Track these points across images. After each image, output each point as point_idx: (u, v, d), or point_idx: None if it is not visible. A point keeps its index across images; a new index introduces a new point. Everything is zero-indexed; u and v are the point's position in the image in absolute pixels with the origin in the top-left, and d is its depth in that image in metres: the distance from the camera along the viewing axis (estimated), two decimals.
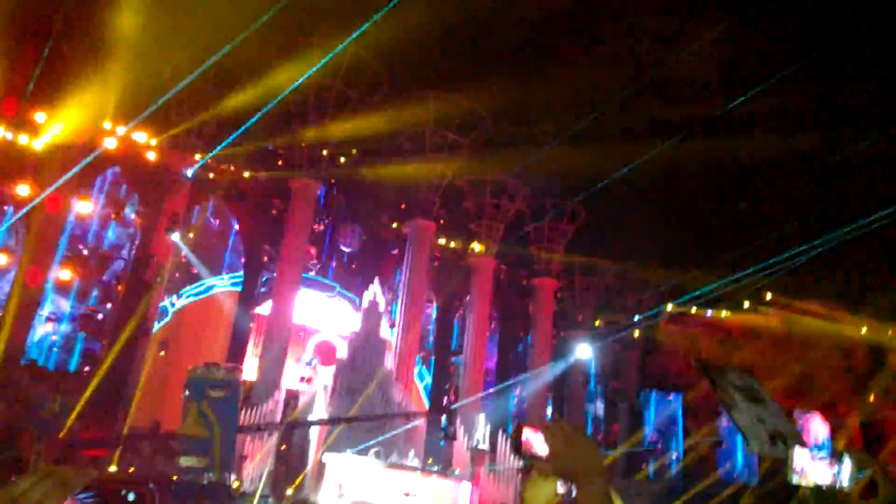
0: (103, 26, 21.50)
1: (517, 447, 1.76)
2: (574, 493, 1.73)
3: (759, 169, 28.32)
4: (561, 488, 1.99)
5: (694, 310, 32.48)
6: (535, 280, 33.60)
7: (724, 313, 33.14)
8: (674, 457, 33.58)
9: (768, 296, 31.64)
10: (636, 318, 33.61)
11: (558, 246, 33.40)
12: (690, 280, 29.61)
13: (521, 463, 23.40)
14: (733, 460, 33.17)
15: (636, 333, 34.98)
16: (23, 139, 23.19)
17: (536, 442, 1.74)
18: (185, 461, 6.47)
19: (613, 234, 32.37)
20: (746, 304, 32.10)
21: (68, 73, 21.99)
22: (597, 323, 35.19)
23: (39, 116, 23.13)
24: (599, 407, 36.91)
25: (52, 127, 23.05)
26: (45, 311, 24.15)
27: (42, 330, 23.93)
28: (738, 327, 32.66)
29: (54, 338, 24.49)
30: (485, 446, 27.50)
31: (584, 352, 32.38)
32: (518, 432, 1.77)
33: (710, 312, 33.35)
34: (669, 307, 32.72)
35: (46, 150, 23.12)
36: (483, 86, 25.91)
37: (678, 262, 29.05)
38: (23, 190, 23.82)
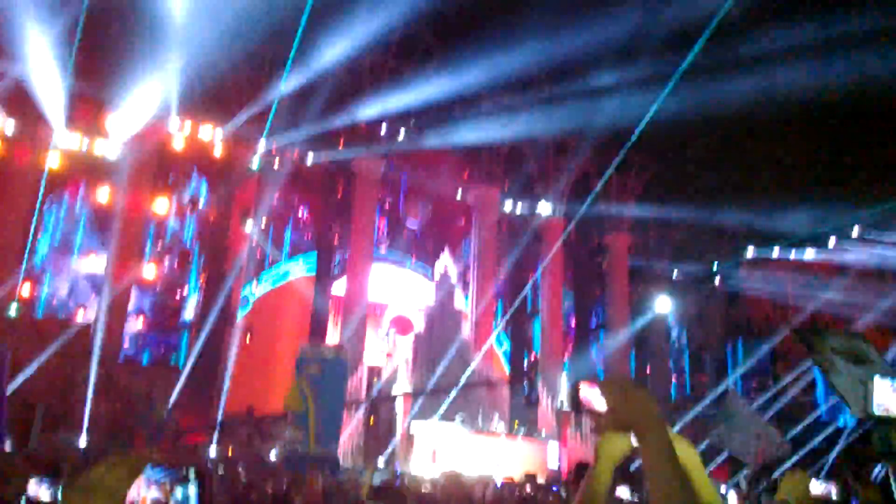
0: (156, 27, 22.05)
1: (576, 404, 1.78)
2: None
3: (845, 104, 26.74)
4: (636, 441, 1.98)
5: (776, 253, 31.30)
6: (607, 237, 33.04)
7: (808, 253, 31.82)
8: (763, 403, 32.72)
9: (855, 232, 30.16)
10: (716, 266, 32.66)
11: (628, 200, 32.68)
12: (771, 222, 28.50)
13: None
14: (827, 404, 32.09)
15: (717, 282, 34.04)
16: (97, 145, 24.23)
17: (594, 397, 1.76)
18: (289, 433, 6.79)
19: (686, 182, 31.30)
20: (832, 242, 30.70)
21: (132, 77, 22.72)
22: (674, 275, 34.40)
23: (110, 122, 24.08)
24: (684, 360, 36.23)
25: (123, 131, 23.97)
26: (133, 308, 25.28)
27: (132, 327, 25.12)
28: (825, 266, 31.34)
29: (143, 334, 25.67)
30: (569, 407, 27.48)
31: (663, 305, 31.79)
32: (576, 389, 1.78)
33: (793, 254, 32.09)
34: (750, 252, 31.62)
35: (120, 153, 24.10)
36: (536, 40, 25.27)
37: (757, 205, 27.93)
38: (102, 194, 24.97)
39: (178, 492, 1.18)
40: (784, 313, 32.07)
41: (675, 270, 34.37)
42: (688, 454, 1.90)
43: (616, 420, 1.73)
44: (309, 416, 6.24)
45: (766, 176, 28.96)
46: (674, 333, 36.14)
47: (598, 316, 34.48)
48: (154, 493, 1.19)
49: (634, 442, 2.08)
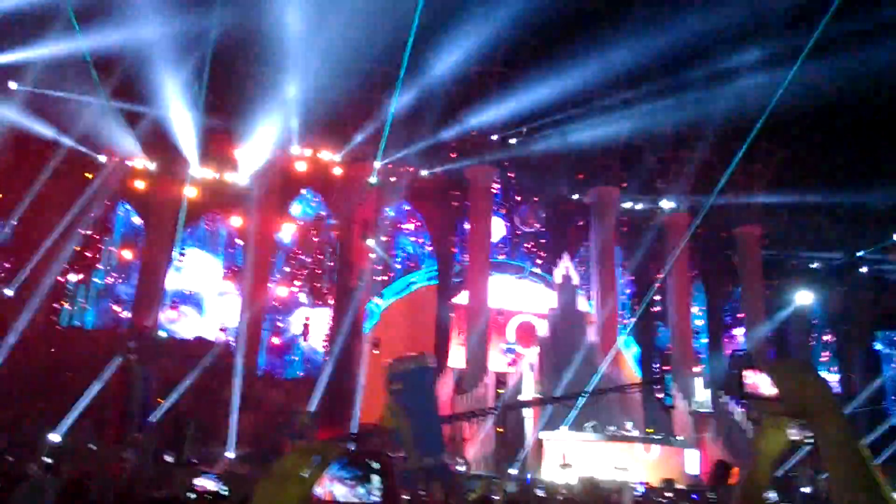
0: (274, 61, 23.22)
1: (739, 389, 1.68)
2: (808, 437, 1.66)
3: None
4: (796, 435, 1.87)
5: None
6: (736, 230, 31.42)
7: None
8: None
9: None
10: (860, 252, 30.31)
11: (757, 190, 30.95)
12: None
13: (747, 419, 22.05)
14: None
15: (864, 270, 31.60)
16: (228, 176, 25.81)
17: (761, 383, 1.66)
18: (397, 451, 6.94)
19: (819, 165, 29.26)
20: None
21: (256, 110, 24.03)
22: (813, 265, 32.19)
23: (239, 153, 25.60)
24: (830, 356, 33.81)
25: (250, 160, 25.40)
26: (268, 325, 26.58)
27: (268, 344, 26.42)
28: None
29: (279, 350, 26.93)
30: (707, 409, 26.32)
31: (803, 298, 29.88)
32: (739, 375, 1.69)
33: None
34: None
35: (249, 181, 25.55)
36: (647, 32, 24.52)
37: None
38: (236, 220, 26.53)
39: (363, 487, 1.24)
40: None
41: (815, 260, 32.15)
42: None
43: (788, 406, 1.61)
44: (403, 433, 6.35)
45: None
46: (817, 328, 33.82)
47: (732, 313, 32.85)
48: (339, 487, 1.24)
49: (796, 436, 1.97)
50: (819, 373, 1.64)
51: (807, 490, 17.67)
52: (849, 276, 31.40)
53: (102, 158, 24.59)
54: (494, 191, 29.91)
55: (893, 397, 31.03)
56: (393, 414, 6.76)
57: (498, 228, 30.89)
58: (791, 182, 29.38)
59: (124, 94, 23.09)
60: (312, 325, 27.44)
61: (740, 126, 28.53)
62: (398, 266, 29.94)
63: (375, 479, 1.36)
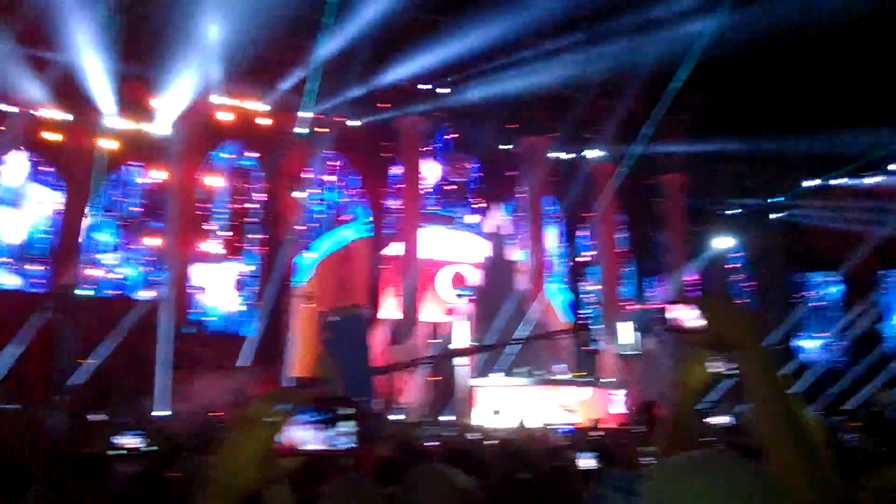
0: (194, 5, 22.15)
1: (666, 323, 1.74)
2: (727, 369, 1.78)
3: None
4: (719, 367, 1.96)
5: (838, 181, 30.12)
6: (660, 177, 32.29)
7: (871, 179, 30.51)
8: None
9: None
10: (775, 199, 31.67)
11: (680, 139, 31.75)
12: (830, 148, 27.36)
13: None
14: None
15: (778, 215, 33.06)
16: (147, 126, 24.70)
17: (687, 316, 1.71)
18: None
19: (738, 113, 30.21)
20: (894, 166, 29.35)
21: (175, 57, 22.96)
22: (731, 212, 33.49)
23: (158, 102, 24.48)
24: (748, 298, 35.48)
25: (171, 109, 24.35)
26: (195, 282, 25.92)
27: (201, 300, 25.83)
28: (889, 191, 30.06)
29: (207, 306, 26.37)
30: (633, 351, 27.31)
31: (722, 243, 31.10)
32: (662, 310, 1.76)
33: (854, 180, 30.84)
34: (811, 182, 30.52)
35: (170, 132, 24.53)
36: None
37: (812, 132, 26.80)
38: (157, 173, 25.52)
39: (330, 430, 1.20)
40: (850, 243, 30.97)
41: (733, 207, 33.44)
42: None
43: (714, 337, 1.66)
44: (333, 380, 6.55)
45: (820, 101, 27.71)
46: (736, 271, 35.37)
47: (656, 257, 33.93)
48: (302, 432, 1.20)
49: (712, 368, 2.06)
50: (739, 305, 1.70)
51: (725, 420, 18.59)
52: (764, 221, 32.80)
53: (8, 108, 23.12)
54: (424, 141, 29.68)
55: (801, 335, 32.91)
56: (325, 363, 6.87)
57: (431, 175, 30.75)
58: (712, 130, 30.26)
59: (31, 39, 21.65)
60: (243, 280, 26.91)
61: (664, 75, 29.09)
62: (327, 218, 29.53)
63: (343, 424, 1.33)
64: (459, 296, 26.04)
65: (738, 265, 35.37)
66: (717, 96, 30.14)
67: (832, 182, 30.64)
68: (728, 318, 1.65)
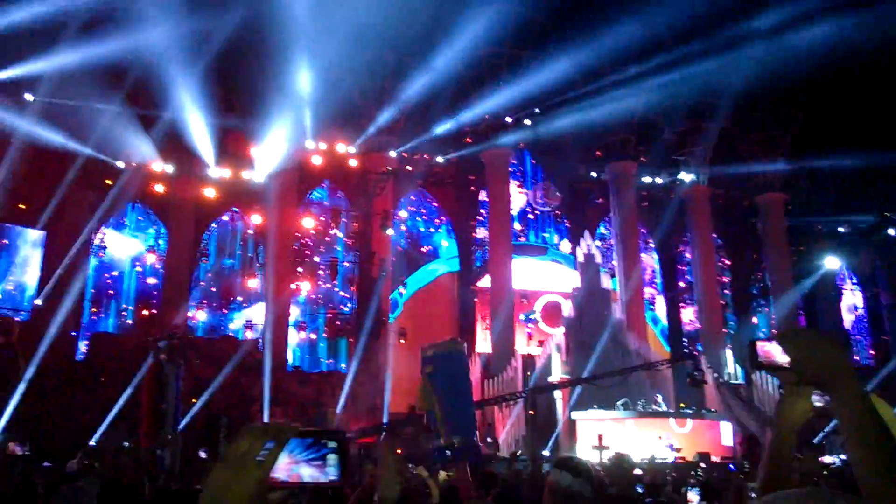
0: (285, 58, 23.23)
1: (755, 360, 1.69)
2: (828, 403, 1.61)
3: None
4: (819, 402, 1.83)
5: None
6: (759, 198, 31.02)
7: None
8: None
9: None
10: (888, 214, 29.76)
11: (778, 156, 30.52)
12: None
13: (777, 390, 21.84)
14: None
15: (891, 232, 31.04)
16: (245, 174, 25.96)
17: (775, 352, 1.65)
18: (434, 430, 7.14)
19: (839, 129, 28.73)
20: None
21: (270, 107, 24.11)
22: (839, 230, 31.67)
23: (255, 150, 25.72)
24: (861, 320, 33.35)
25: (267, 157, 25.50)
26: (294, 321, 26.76)
27: (295, 338, 26.62)
28: None
29: (306, 344, 27.13)
30: (738, 380, 26.15)
31: (831, 263, 29.46)
32: (752, 346, 1.69)
33: None
34: None
35: (266, 179, 25.67)
36: (657, 3, 24.13)
37: None
38: (256, 217, 26.69)
39: (323, 461, 1.22)
40: None
41: (841, 224, 31.64)
42: (881, 408, 1.69)
43: (802, 373, 1.58)
44: (436, 412, 6.58)
45: None
46: (846, 293, 33.37)
47: (759, 281, 32.48)
48: (305, 469, 1.20)
49: (818, 402, 1.95)
50: (832, 339, 1.60)
51: (838, 458, 17.44)
52: (876, 238, 30.86)
53: (121, 164, 24.86)
54: (511, 172, 29.77)
55: None
56: (426, 396, 6.94)
57: (519, 205, 30.77)
58: (812, 146, 28.92)
59: (138, 99, 23.28)
60: (341, 318, 27.54)
61: (756, 93, 28.14)
62: (421, 254, 29.97)
63: (331, 457, 1.34)
64: (552, 326, 25.71)
65: (851, 286, 33.38)
66: (816, 109, 28.81)
67: None
68: (814, 356, 1.55)
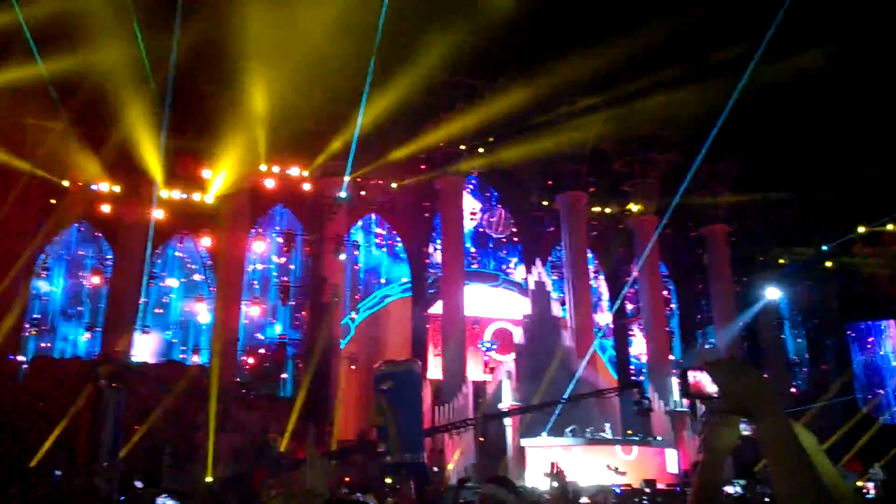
0: (239, 81, 23.10)
1: (686, 390, 1.73)
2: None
3: None
4: (747, 430, 1.92)
5: (890, 227, 29.24)
6: (704, 229, 31.88)
7: None
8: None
9: None
10: (825, 247, 30.87)
11: (723, 189, 31.45)
12: (882, 194, 26.72)
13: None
14: None
15: (829, 264, 32.16)
16: (196, 196, 25.55)
17: (705, 381, 1.70)
18: (380, 446, 7.12)
19: (784, 162, 29.82)
20: None
21: (220, 128, 23.88)
22: (781, 261, 32.71)
23: (206, 173, 25.37)
24: (801, 348, 34.36)
25: (217, 180, 25.18)
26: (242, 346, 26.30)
27: (243, 364, 26.14)
28: None
29: (254, 370, 26.64)
30: (684, 408, 26.57)
31: (772, 293, 30.34)
32: (684, 375, 1.73)
33: None
34: (861, 228, 29.70)
35: (217, 201, 25.31)
36: (609, 37, 24.79)
37: (863, 178, 26.26)
38: (206, 241, 26.27)
39: None
40: None
41: (783, 256, 32.69)
42: (804, 437, 1.78)
43: (729, 403, 1.65)
44: (389, 429, 6.57)
45: (870, 146, 27.22)
46: (787, 322, 34.37)
47: (703, 311, 33.23)
48: None
49: (746, 431, 2.01)
50: (756, 370, 1.68)
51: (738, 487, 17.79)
52: (816, 270, 31.93)
53: (66, 183, 24.23)
54: (464, 200, 29.99)
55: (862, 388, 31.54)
56: (381, 412, 6.92)
57: (471, 233, 30.99)
58: (756, 180, 29.91)
59: (87, 117, 22.81)
60: (290, 344, 27.19)
61: (702, 127, 29.02)
62: (370, 279, 29.86)
63: None
64: (503, 354, 25.81)
65: (790, 317, 34.41)
66: (762, 143, 29.84)
67: (888, 227, 29.71)
68: (739, 383, 1.62)
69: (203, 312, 26.38)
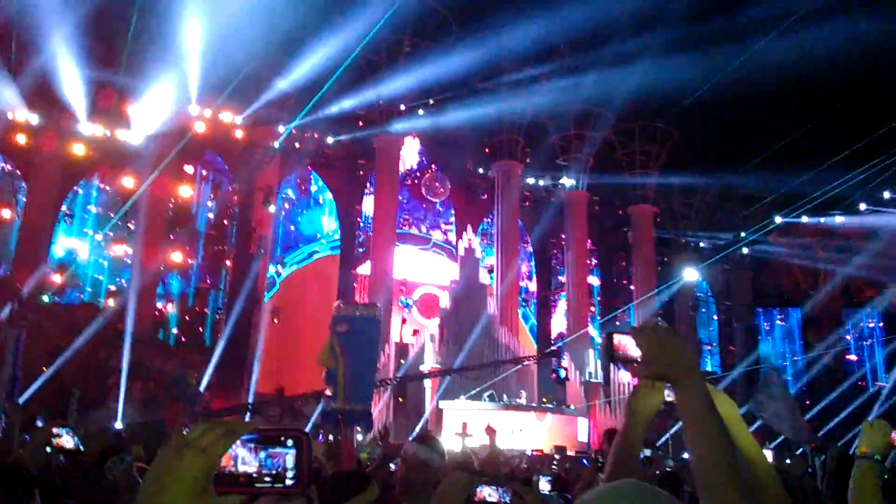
0: (175, 16, 22.05)
1: (609, 353, 1.71)
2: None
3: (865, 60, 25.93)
4: (670, 397, 1.93)
5: (805, 219, 30.69)
6: (631, 208, 32.70)
7: (838, 219, 31.14)
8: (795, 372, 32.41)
9: (886, 194, 29.41)
10: (743, 234, 32.17)
11: (652, 171, 32.24)
12: (799, 187, 27.93)
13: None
14: (862, 369, 31.67)
15: (745, 251, 33.56)
16: (120, 133, 24.40)
17: (629, 345, 1.69)
18: (328, 390, 6.98)
19: (710, 150, 30.78)
20: (863, 206, 29.97)
21: (152, 66, 22.80)
22: (701, 244, 33.96)
23: (132, 110, 24.22)
24: (713, 329, 35.91)
25: (145, 118, 24.10)
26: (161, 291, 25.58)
27: (162, 310, 25.45)
28: (855, 232, 30.71)
29: (173, 317, 26.00)
30: (598, 380, 27.47)
31: (690, 275, 31.47)
32: (609, 338, 1.72)
33: (822, 220, 31.45)
34: (778, 219, 31.06)
35: (144, 141, 24.26)
36: (554, 12, 24.85)
37: (784, 170, 27.36)
38: (128, 181, 25.18)
39: (271, 458, 1.11)
40: (815, 280, 31.57)
41: (702, 240, 33.94)
42: (725, 407, 1.81)
43: (651, 367, 1.65)
44: (338, 373, 6.42)
45: (793, 141, 28.34)
46: (702, 304, 35.80)
47: (624, 287, 34.23)
48: (247, 459, 1.11)
49: (669, 397, 2.02)
50: (679, 337, 1.68)
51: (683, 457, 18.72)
52: (732, 256, 33.27)
53: None
54: (400, 161, 29.75)
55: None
56: (332, 354, 6.73)
57: (404, 199, 30.82)
58: (685, 164, 30.79)
59: (2, 40, 21.38)
60: (211, 292, 26.61)
61: (638, 109, 29.59)
62: (299, 233, 29.42)
63: (289, 459, 1.23)
64: (427, 318, 25.99)
65: (705, 298, 35.83)
66: (694, 129, 30.65)
67: (802, 220, 31.12)
68: (663, 349, 1.62)
69: (121, 255, 25.41)
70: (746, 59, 24.40)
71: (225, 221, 27.33)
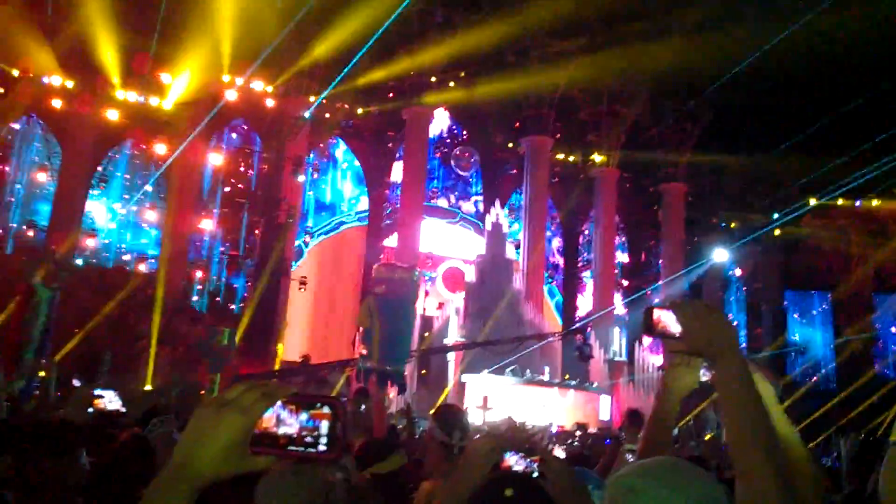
0: None
1: (649, 326, 1.71)
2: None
3: None
4: (706, 376, 1.89)
5: (840, 201, 30.05)
6: (662, 186, 32.27)
7: (874, 202, 30.45)
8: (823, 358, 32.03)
9: None
10: (775, 215, 31.63)
11: (684, 148, 31.73)
12: (835, 169, 27.31)
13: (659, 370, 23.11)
14: (892, 357, 31.19)
15: (777, 232, 33.02)
16: (153, 101, 24.60)
17: (669, 320, 1.68)
18: (363, 349, 7.10)
19: (745, 129, 30.16)
20: None
21: (184, 32, 22.87)
22: (732, 225, 33.46)
23: (165, 77, 24.37)
24: (740, 311, 35.53)
25: (177, 86, 24.26)
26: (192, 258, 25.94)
27: (191, 277, 25.81)
28: (892, 216, 30.03)
29: (203, 282, 26.36)
30: (622, 358, 27.40)
31: (720, 256, 31.09)
32: (649, 312, 1.71)
33: (859, 202, 30.77)
34: (812, 201, 30.45)
35: (175, 108, 24.44)
36: None
37: (820, 152, 26.75)
38: (160, 148, 25.43)
39: (312, 419, 1.12)
40: (847, 264, 30.99)
41: (734, 220, 33.42)
42: (763, 386, 1.79)
43: (690, 343, 1.63)
44: (373, 332, 6.51)
45: (829, 122, 27.65)
46: (731, 285, 35.39)
47: (652, 266, 33.94)
48: (290, 424, 1.12)
49: (704, 376, 2.01)
50: (721, 313, 1.66)
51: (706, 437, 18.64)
52: (764, 237, 32.75)
53: (15, 73, 23.05)
54: (430, 133, 29.65)
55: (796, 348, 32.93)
56: (370, 314, 6.84)
57: (433, 171, 30.78)
58: (717, 144, 30.25)
59: (39, 3, 21.57)
60: (241, 260, 26.89)
61: (672, 86, 29.05)
62: (327, 203, 29.55)
63: (323, 426, 1.24)
64: (453, 292, 26.04)
65: (735, 279, 35.41)
66: (729, 107, 30.03)
67: (837, 203, 30.48)
68: (704, 326, 1.60)
69: (153, 221, 25.78)
70: (785, 37, 23.76)
71: (256, 190, 27.49)
